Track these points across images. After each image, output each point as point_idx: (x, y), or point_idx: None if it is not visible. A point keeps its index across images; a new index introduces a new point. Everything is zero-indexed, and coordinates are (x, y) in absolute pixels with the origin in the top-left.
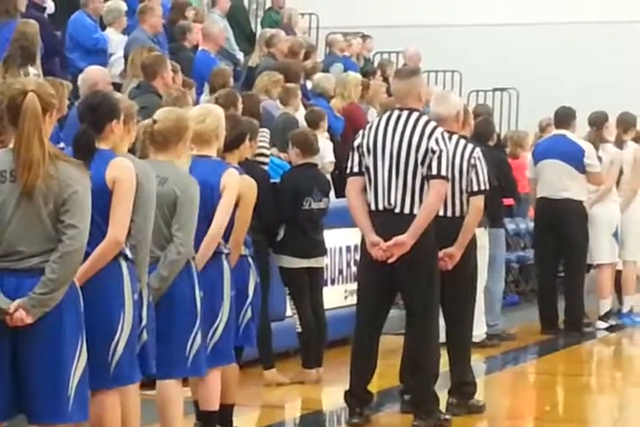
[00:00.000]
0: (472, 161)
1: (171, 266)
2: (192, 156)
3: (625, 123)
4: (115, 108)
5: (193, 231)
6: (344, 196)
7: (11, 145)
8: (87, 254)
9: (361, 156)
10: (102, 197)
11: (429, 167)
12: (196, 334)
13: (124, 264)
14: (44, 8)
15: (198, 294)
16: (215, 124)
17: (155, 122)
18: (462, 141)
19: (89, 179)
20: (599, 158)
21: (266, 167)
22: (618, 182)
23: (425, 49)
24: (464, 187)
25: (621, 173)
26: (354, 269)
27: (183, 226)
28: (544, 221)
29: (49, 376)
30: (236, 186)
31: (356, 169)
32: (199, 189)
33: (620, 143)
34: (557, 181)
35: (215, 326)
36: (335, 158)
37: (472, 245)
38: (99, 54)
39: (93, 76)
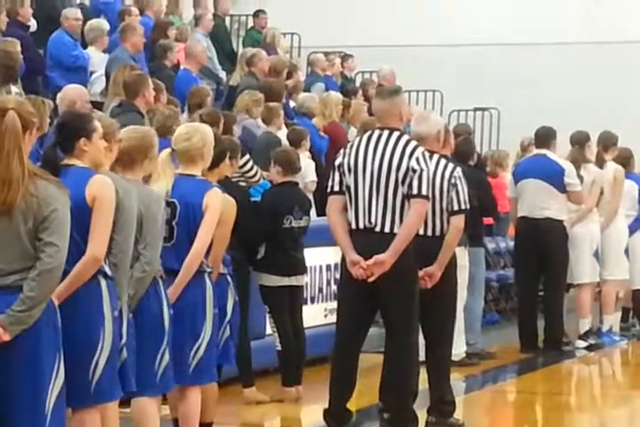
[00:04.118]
0: (452, 180)
1: (137, 284)
2: (176, 174)
3: (605, 142)
4: (82, 126)
5: (159, 249)
6: (325, 214)
7: None
8: (66, 272)
9: (342, 175)
10: (82, 215)
11: (410, 186)
12: (164, 351)
13: (103, 282)
14: (28, 26)
15: (166, 311)
16: (201, 142)
17: (119, 141)
18: (443, 161)
19: (68, 197)
20: (580, 178)
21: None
22: (598, 202)
23: (406, 68)
24: (444, 206)
25: (602, 192)
26: (334, 287)
27: (149, 244)
28: (525, 240)
29: (26, 394)
30: (219, 205)
31: (336, 188)
32: (180, 207)
33: (600, 162)
34: (538, 200)
35: (198, 344)
36: (319, 177)
37: (452, 264)
38: (78, 72)
39: (71, 94)
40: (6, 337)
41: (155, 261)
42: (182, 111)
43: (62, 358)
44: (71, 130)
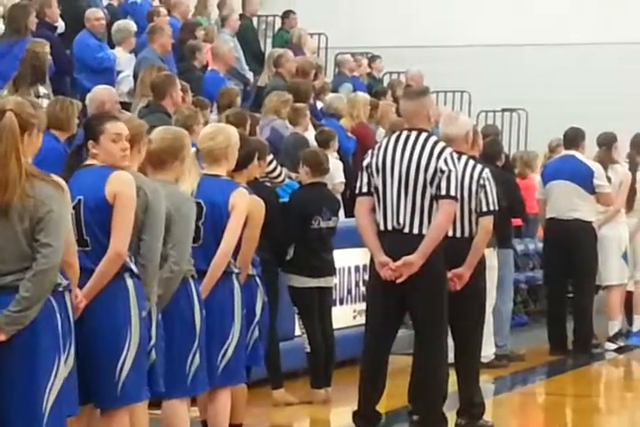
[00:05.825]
0: (481, 181)
1: (165, 285)
2: (201, 174)
3: (638, 144)
4: (89, 130)
5: (188, 249)
6: (353, 215)
7: None
8: (91, 271)
9: (370, 176)
10: (103, 213)
11: (438, 187)
12: (195, 353)
13: (129, 280)
14: (56, 27)
15: (198, 312)
16: (225, 143)
17: (150, 141)
18: (471, 162)
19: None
20: (608, 179)
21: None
22: (631, 203)
23: (434, 69)
24: (473, 207)
25: (635, 193)
26: (363, 288)
27: (177, 244)
28: (553, 241)
29: (22, 393)
30: (246, 205)
31: (364, 189)
32: (206, 208)
33: (634, 165)
34: (567, 201)
35: (227, 345)
36: (346, 178)
37: (481, 266)
38: (105, 73)
39: (100, 95)
40: (2, 337)
41: (182, 262)
42: (211, 112)
43: (63, 360)
44: (85, 132)
